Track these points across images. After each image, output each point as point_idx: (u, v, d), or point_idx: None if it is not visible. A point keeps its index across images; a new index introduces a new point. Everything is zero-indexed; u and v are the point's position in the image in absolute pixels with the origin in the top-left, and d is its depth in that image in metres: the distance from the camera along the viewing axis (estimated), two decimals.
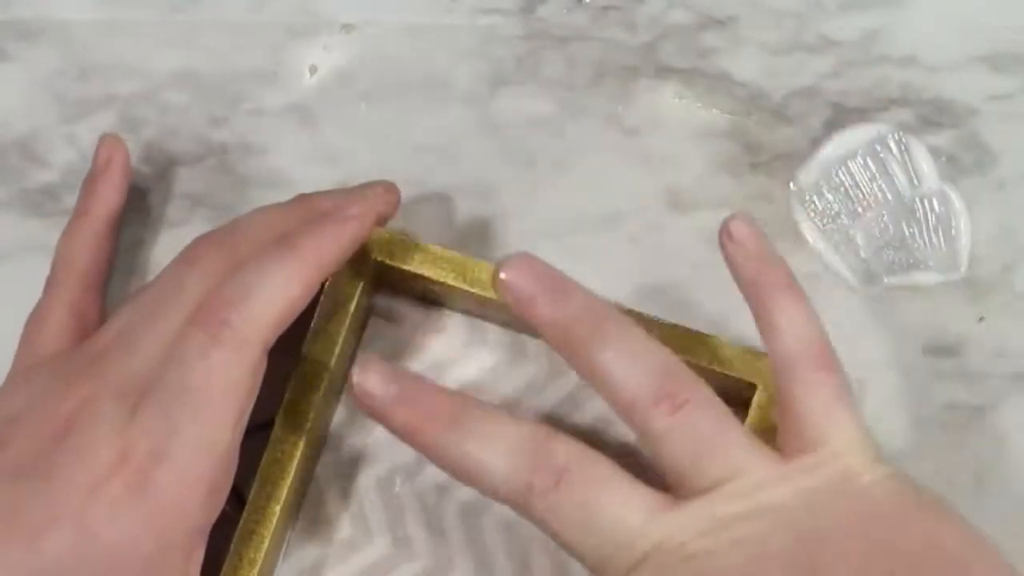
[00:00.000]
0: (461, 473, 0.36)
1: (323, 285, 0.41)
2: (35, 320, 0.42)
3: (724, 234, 0.38)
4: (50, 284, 0.43)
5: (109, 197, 0.44)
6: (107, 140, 0.45)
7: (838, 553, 0.33)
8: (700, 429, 0.36)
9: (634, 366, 0.36)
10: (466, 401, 0.37)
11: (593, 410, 0.46)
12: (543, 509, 0.35)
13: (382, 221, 0.43)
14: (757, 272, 0.38)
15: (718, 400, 0.36)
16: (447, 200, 0.48)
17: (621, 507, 0.35)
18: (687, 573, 0.34)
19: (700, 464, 0.35)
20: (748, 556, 0.34)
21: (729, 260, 0.38)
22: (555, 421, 0.45)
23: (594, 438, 0.45)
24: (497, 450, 0.36)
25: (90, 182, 0.45)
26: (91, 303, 0.43)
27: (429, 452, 0.37)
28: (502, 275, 0.37)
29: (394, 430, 0.37)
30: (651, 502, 0.35)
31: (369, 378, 0.37)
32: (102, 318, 0.44)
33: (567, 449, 0.36)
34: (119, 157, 0.45)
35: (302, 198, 0.43)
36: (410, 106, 0.49)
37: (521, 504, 0.36)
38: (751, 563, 0.33)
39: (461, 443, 0.36)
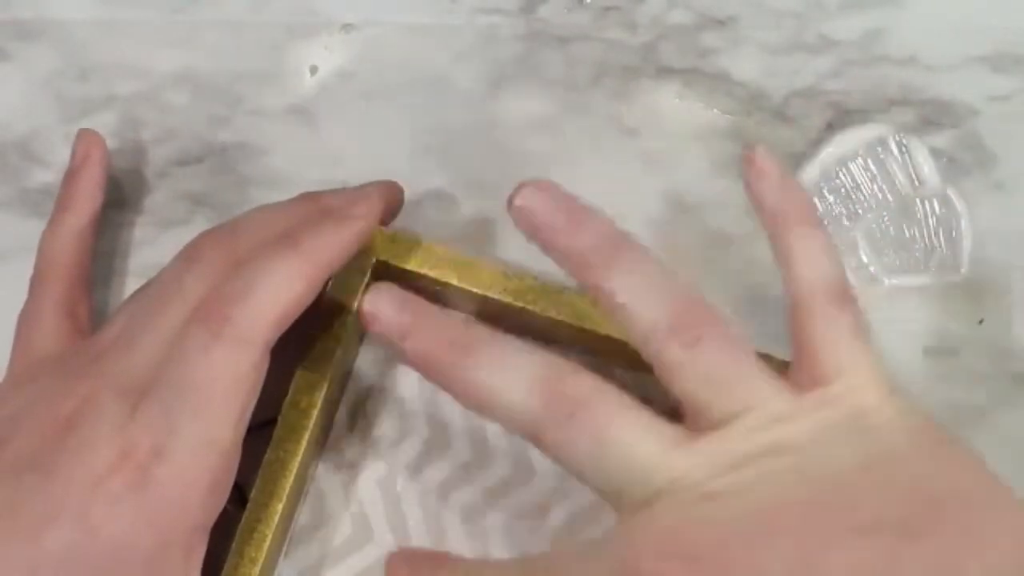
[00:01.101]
0: (474, 403, 0.36)
1: (326, 284, 0.41)
2: (28, 321, 0.42)
3: (747, 163, 0.38)
4: (37, 284, 0.43)
5: (90, 192, 0.44)
6: (84, 135, 0.45)
7: (856, 496, 0.33)
8: (716, 361, 0.35)
9: (650, 296, 0.35)
10: (479, 330, 0.37)
11: None
12: (557, 441, 0.35)
13: (385, 220, 0.43)
14: (777, 202, 0.38)
15: (734, 331, 0.36)
16: (447, 200, 0.48)
17: (636, 440, 0.34)
18: (705, 513, 0.33)
19: (715, 396, 0.35)
20: (767, 498, 0.33)
21: (750, 189, 0.38)
22: None
23: None
24: (510, 380, 0.35)
25: (70, 178, 0.45)
26: (79, 299, 0.43)
27: (442, 381, 0.36)
28: (517, 202, 0.36)
29: (406, 359, 0.36)
30: (667, 435, 0.34)
31: (381, 305, 0.36)
32: (90, 313, 0.44)
33: (581, 381, 0.35)
34: (97, 152, 0.45)
35: (305, 196, 0.43)
36: (410, 106, 0.49)
37: (534, 436, 0.35)
38: (771, 506, 0.33)
39: (474, 372, 0.35)
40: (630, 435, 0.34)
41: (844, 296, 0.37)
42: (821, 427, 0.34)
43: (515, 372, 0.35)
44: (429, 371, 0.36)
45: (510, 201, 0.37)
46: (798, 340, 0.37)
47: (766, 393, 0.35)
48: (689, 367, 0.35)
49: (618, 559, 0.33)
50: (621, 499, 0.35)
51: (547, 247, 0.37)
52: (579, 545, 0.36)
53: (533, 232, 0.37)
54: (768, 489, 0.33)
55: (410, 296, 0.37)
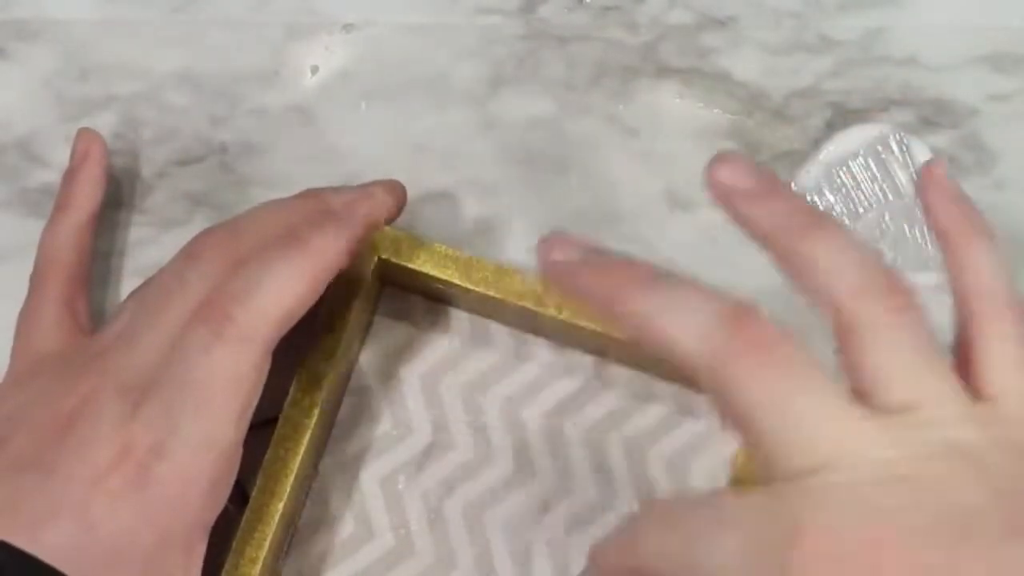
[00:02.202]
0: (653, 340, 0.33)
1: (328, 283, 0.41)
2: (28, 319, 0.42)
3: (925, 173, 0.37)
4: (38, 282, 0.43)
5: (89, 190, 0.44)
6: (84, 134, 0.45)
7: None
8: (913, 337, 0.33)
9: (850, 262, 0.34)
10: (660, 269, 0.34)
11: (596, 411, 0.45)
12: (728, 380, 0.32)
13: (388, 220, 0.43)
14: (951, 213, 0.37)
15: (929, 319, 0.34)
16: (447, 200, 0.48)
17: (812, 399, 0.32)
18: (872, 504, 0.31)
19: (902, 374, 0.33)
20: (944, 499, 0.31)
21: (923, 197, 0.37)
22: (558, 421, 0.45)
23: (599, 436, 0.45)
24: (693, 319, 0.33)
25: (69, 176, 0.45)
26: (79, 297, 0.43)
27: (620, 315, 0.34)
28: (714, 171, 0.35)
29: (584, 294, 0.35)
30: (845, 405, 0.32)
31: (554, 250, 0.35)
32: (88, 310, 0.44)
33: (765, 328, 0.33)
34: (97, 150, 0.45)
35: (307, 194, 0.43)
36: (410, 106, 0.49)
37: (709, 376, 0.33)
38: (946, 508, 0.31)
39: (655, 309, 0.33)
40: (807, 392, 0.32)
41: (1014, 309, 0.35)
42: (1000, 440, 0.32)
43: (697, 312, 0.33)
44: (603, 307, 0.34)
45: (707, 171, 0.35)
46: (967, 349, 0.35)
47: (949, 391, 0.33)
48: (886, 334, 0.33)
49: (777, 529, 0.31)
50: (779, 459, 0.32)
51: (743, 215, 0.35)
52: (742, 493, 0.35)
53: (730, 201, 0.35)
54: (946, 488, 0.31)
55: (581, 239, 0.35)
